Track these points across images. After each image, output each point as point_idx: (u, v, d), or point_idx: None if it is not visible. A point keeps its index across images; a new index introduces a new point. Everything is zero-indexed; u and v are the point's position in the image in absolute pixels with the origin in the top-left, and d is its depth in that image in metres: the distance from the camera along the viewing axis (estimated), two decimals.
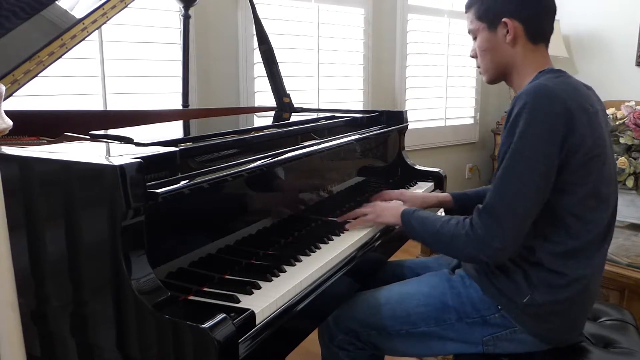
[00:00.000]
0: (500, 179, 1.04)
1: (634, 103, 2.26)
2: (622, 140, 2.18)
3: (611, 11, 3.70)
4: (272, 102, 1.94)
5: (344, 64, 3.17)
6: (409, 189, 1.69)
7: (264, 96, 2.65)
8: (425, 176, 1.83)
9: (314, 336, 1.29)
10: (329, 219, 1.34)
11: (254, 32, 1.86)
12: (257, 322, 0.83)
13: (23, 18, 1.10)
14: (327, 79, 3.05)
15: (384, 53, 3.41)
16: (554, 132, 1.00)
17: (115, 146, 1.00)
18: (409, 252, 2.65)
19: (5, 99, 0.96)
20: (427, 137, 3.75)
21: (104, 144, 1.03)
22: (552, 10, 1.18)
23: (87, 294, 0.83)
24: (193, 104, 2.35)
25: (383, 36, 3.38)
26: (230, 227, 1.02)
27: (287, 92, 1.89)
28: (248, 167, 1.04)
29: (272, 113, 1.88)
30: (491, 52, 1.19)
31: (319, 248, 1.14)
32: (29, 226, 0.86)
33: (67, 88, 2.03)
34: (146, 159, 0.81)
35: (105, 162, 0.79)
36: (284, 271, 1.00)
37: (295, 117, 1.68)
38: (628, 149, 2.21)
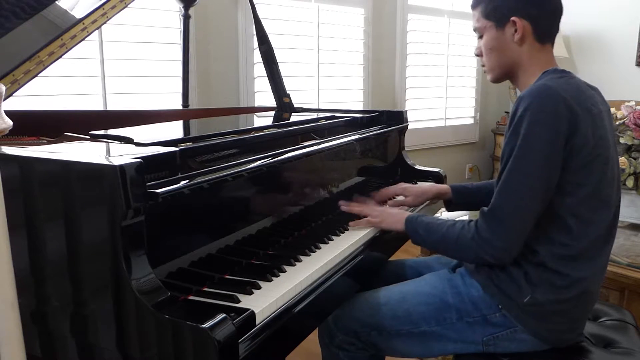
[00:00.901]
0: (505, 181, 1.05)
1: (634, 103, 2.26)
2: (622, 140, 2.18)
3: (611, 11, 3.70)
4: (272, 102, 1.94)
5: (344, 64, 3.17)
6: None
7: (264, 96, 2.65)
8: (425, 176, 1.83)
9: (314, 336, 1.29)
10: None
11: (254, 32, 1.86)
12: (257, 322, 0.83)
13: (23, 18, 1.10)
14: (327, 79, 3.05)
15: (384, 53, 3.41)
16: (557, 132, 1.00)
17: (115, 146, 1.00)
18: (410, 251, 2.65)
19: (5, 99, 0.96)
20: (427, 137, 3.75)
21: (104, 144, 1.03)
22: (560, 9, 1.17)
23: (87, 294, 0.83)
24: (193, 104, 2.35)
25: (383, 36, 3.38)
26: (230, 227, 1.02)
27: (287, 92, 1.89)
28: (248, 167, 1.04)
29: (272, 113, 1.88)
30: (498, 50, 1.19)
31: (319, 248, 1.14)
32: (29, 226, 0.86)
33: (67, 88, 2.04)
34: (146, 159, 0.81)
35: (105, 162, 0.79)
36: (284, 271, 1.00)
37: (295, 117, 1.68)
38: (628, 149, 2.21)
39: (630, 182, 2.13)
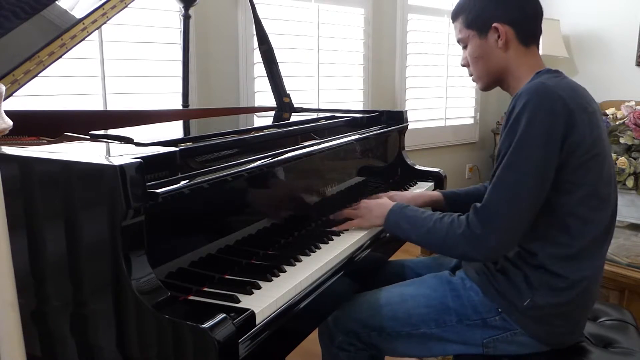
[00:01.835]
0: (500, 178, 1.04)
1: (634, 103, 2.26)
2: (622, 140, 2.18)
3: (611, 11, 3.70)
4: (272, 102, 1.94)
5: (344, 64, 3.17)
6: (408, 189, 1.69)
7: (264, 96, 2.65)
8: (425, 176, 1.83)
9: (314, 336, 1.29)
10: (330, 217, 1.33)
11: (254, 32, 1.86)
12: (257, 322, 0.83)
13: (23, 18, 1.10)
14: (327, 79, 3.05)
15: (384, 53, 3.41)
16: (554, 131, 1.00)
17: (115, 146, 1.00)
18: (410, 251, 2.65)
19: (5, 99, 0.96)
20: (427, 137, 3.75)
21: (104, 144, 1.03)
22: (540, 11, 1.18)
23: (87, 294, 0.83)
24: (193, 104, 2.35)
25: (383, 36, 3.38)
26: (230, 227, 1.02)
27: (287, 92, 1.89)
28: (248, 167, 1.04)
29: (272, 113, 1.88)
30: (484, 58, 1.19)
31: (319, 248, 1.14)
32: (29, 226, 0.86)
33: (67, 88, 2.03)
34: (146, 159, 0.81)
35: (105, 162, 0.79)
36: (284, 271, 1.00)
37: (295, 117, 1.68)
38: (628, 149, 2.21)
39: (630, 182, 2.13)
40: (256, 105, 2.66)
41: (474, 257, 1.09)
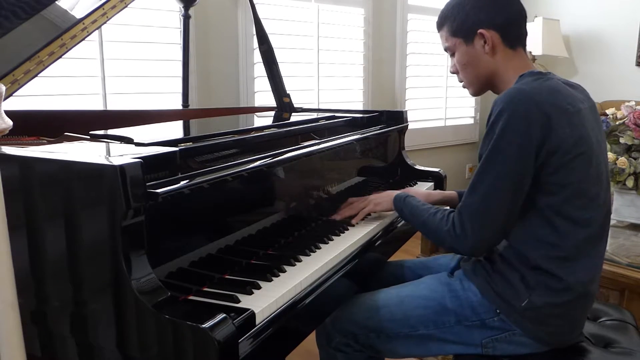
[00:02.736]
0: (474, 182, 1.07)
1: (634, 103, 2.25)
2: (622, 140, 2.18)
3: (611, 11, 3.70)
4: (272, 102, 1.94)
5: (344, 64, 3.17)
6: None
7: (264, 96, 2.65)
8: (425, 176, 1.83)
9: (314, 336, 1.29)
10: (330, 218, 1.34)
11: (254, 32, 1.86)
12: (257, 322, 0.83)
13: (23, 18, 1.10)
14: (327, 79, 3.05)
15: (384, 53, 3.41)
16: (529, 136, 1.02)
17: (115, 146, 1.00)
18: (409, 252, 2.65)
19: (5, 99, 0.96)
20: (427, 137, 3.75)
21: (104, 144, 1.03)
22: (523, 13, 1.20)
23: (87, 294, 0.83)
24: (193, 104, 2.35)
25: (383, 36, 3.38)
26: (230, 227, 1.02)
27: (287, 92, 1.89)
28: (248, 167, 1.04)
29: (272, 113, 1.88)
30: (472, 65, 1.21)
31: (319, 248, 1.14)
32: (29, 226, 0.86)
33: (67, 88, 2.03)
34: (146, 159, 0.81)
35: (105, 162, 0.79)
36: (284, 271, 1.00)
37: (295, 117, 1.68)
38: (628, 149, 2.21)
39: (630, 182, 2.13)
40: (256, 105, 2.66)
41: (460, 253, 1.18)
